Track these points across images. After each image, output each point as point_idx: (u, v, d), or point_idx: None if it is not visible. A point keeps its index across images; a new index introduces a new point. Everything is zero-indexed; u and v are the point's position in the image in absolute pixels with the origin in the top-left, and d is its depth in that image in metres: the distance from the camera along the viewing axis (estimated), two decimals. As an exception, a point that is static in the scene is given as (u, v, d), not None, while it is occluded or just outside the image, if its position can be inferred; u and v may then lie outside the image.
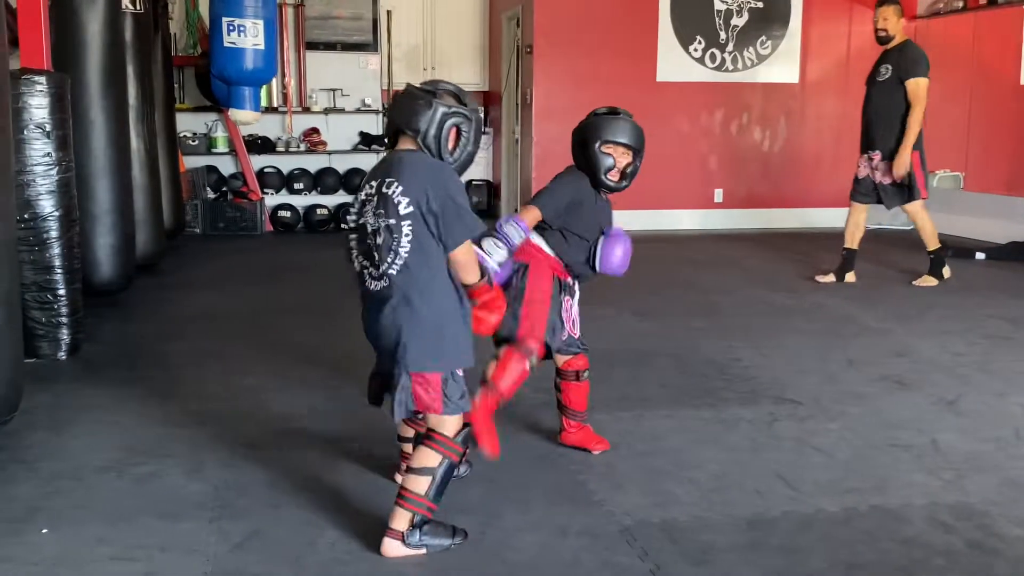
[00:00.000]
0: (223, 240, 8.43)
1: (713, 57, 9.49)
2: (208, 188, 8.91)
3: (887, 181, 6.31)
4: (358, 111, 9.40)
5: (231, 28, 7.43)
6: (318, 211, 9.10)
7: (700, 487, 3.03)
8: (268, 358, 4.52)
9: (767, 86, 9.21)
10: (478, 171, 10.92)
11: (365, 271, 2.62)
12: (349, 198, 9.24)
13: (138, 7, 6.00)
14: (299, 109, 9.25)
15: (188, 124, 8.87)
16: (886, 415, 3.75)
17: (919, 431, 3.56)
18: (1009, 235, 8.03)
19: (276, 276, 6.76)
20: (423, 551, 2.57)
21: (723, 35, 9.48)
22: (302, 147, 9.20)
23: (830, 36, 9.74)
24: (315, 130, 9.29)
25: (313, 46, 9.30)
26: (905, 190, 6.30)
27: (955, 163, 9.51)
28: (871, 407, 3.86)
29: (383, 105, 9.50)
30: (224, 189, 8.97)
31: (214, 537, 2.67)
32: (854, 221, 6.60)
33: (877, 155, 6.33)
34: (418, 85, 2.65)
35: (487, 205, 10.75)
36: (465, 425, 2.65)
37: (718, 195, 9.48)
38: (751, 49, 9.55)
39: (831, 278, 6.48)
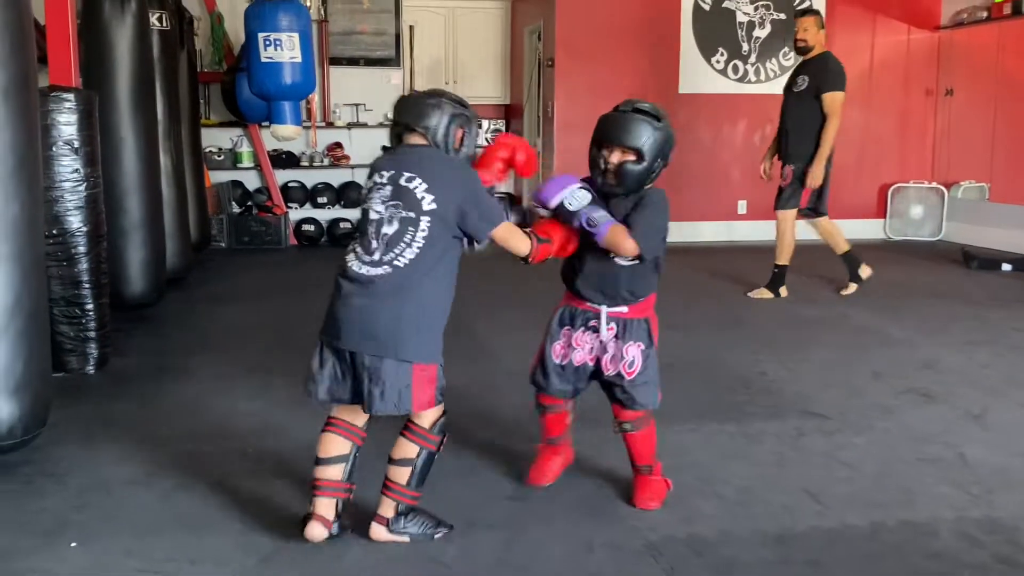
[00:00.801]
0: (248, 254, 8.49)
1: (736, 69, 9.48)
2: (233, 202, 8.99)
3: (783, 183, 6.35)
4: (381, 125, 9.44)
5: (267, 43, 7.47)
6: (341, 225, 9.14)
7: (726, 501, 3.02)
8: (295, 371, 4.53)
9: (790, 97, 9.14)
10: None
11: (355, 255, 2.68)
12: (372, 212, 9.29)
13: (165, 24, 6.07)
14: (323, 124, 9.31)
15: (213, 139, 8.95)
16: (913, 428, 3.73)
17: (946, 444, 3.54)
18: (1036, 246, 7.96)
19: (301, 290, 6.79)
20: (406, 538, 2.74)
21: (746, 46, 9.48)
22: (326, 161, 9.27)
23: (853, 47, 9.70)
24: (338, 145, 9.35)
25: (336, 61, 9.37)
26: (783, 200, 6.37)
27: (980, 174, 9.45)
28: (897, 420, 3.84)
29: (406, 119, 9.53)
30: (249, 203, 9.04)
31: (241, 551, 2.69)
32: (826, 231, 6.51)
33: (790, 168, 6.30)
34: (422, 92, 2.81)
35: (507, 216, 10.74)
36: (443, 414, 2.76)
37: (742, 206, 9.46)
38: (774, 60, 9.53)
39: (852, 288, 6.43)
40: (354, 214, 9.27)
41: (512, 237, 2.83)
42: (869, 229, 9.84)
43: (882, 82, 9.83)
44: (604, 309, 2.97)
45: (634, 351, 2.93)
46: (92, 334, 4.47)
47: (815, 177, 6.19)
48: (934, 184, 9.73)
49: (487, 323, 5.50)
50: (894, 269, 7.87)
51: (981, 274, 7.48)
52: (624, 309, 2.96)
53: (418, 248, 2.60)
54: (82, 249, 4.40)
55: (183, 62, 7.02)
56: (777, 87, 9.40)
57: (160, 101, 5.94)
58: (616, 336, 2.95)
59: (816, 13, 6.50)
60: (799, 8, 6.59)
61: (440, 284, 2.68)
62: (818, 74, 6.21)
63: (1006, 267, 7.55)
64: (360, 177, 9.37)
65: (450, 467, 3.27)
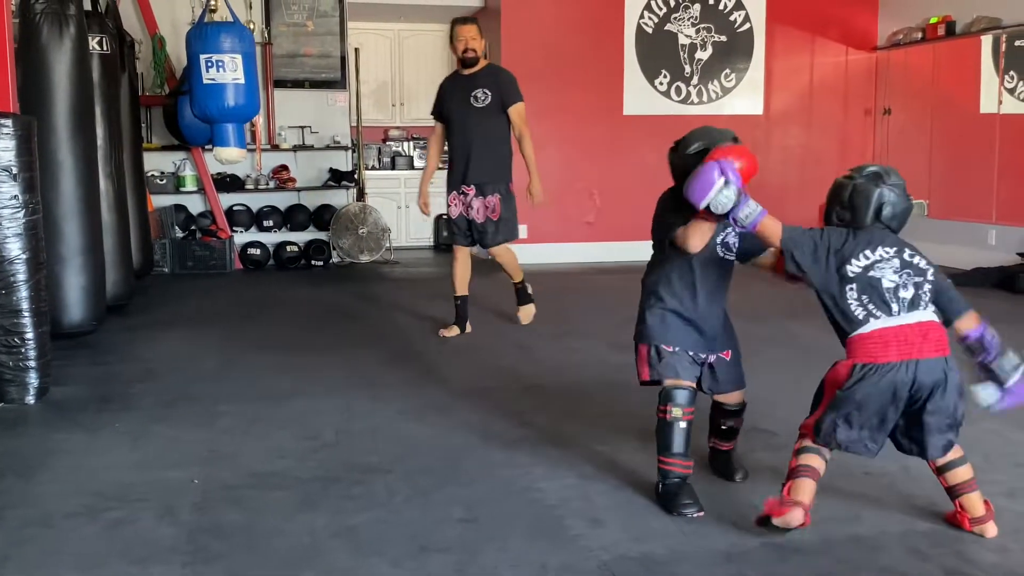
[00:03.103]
0: (192, 279, 8.38)
1: (679, 90, 9.62)
2: (177, 227, 8.87)
3: (490, 217, 5.75)
4: (327, 148, 9.41)
5: (209, 65, 7.40)
6: (288, 248, 9.08)
7: (676, 520, 3.03)
8: (240, 398, 4.48)
9: (732, 118, 9.28)
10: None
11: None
12: (320, 235, 9.26)
13: (105, 48, 6.00)
14: (268, 147, 9.25)
15: (156, 163, 8.85)
16: (859, 443, 3.78)
17: (891, 458, 3.58)
18: (974, 261, 8.15)
19: (247, 315, 6.72)
20: None
21: (688, 69, 9.62)
22: (271, 184, 9.20)
23: (792, 68, 9.92)
24: (284, 167, 9.29)
25: (281, 84, 9.32)
26: (505, 227, 5.80)
27: (919, 191, 9.64)
28: (844, 435, 3.88)
29: (352, 141, 9.53)
30: (193, 228, 8.93)
31: (188, 582, 2.64)
32: (462, 266, 5.94)
33: (472, 189, 5.72)
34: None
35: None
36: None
37: (686, 226, 9.55)
38: (716, 82, 9.69)
39: (455, 331, 5.87)
40: (300, 237, 9.20)
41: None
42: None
43: (822, 102, 10.03)
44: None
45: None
46: (32, 364, 4.37)
47: (539, 192, 5.79)
48: (874, 202, 9.90)
49: (435, 344, 5.48)
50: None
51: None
52: None
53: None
54: (21, 277, 4.31)
55: (124, 86, 6.94)
56: (720, 108, 9.57)
57: (100, 125, 5.86)
58: None
59: (477, 21, 5.89)
60: (461, 17, 5.91)
61: None
62: (499, 86, 5.68)
63: (945, 282, 7.70)
64: (306, 200, 9.31)
65: (402, 489, 3.25)
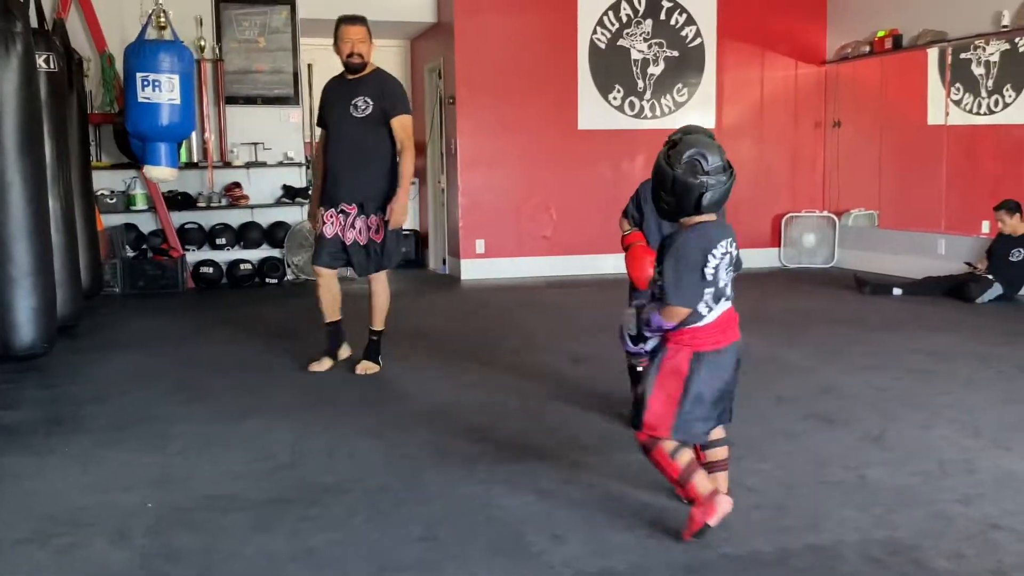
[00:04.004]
0: (144, 299, 8.27)
1: (632, 105, 9.69)
2: (127, 246, 8.74)
3: (372, 239, 5.16)
4: (280, 164, 9.34)
5: (145, 83, 7.34)
6: (241, 266, 8.99)
7: (637, 534, 3.02)
8: (195, 419, 4.42)
9: (686, 131, 9.30)
10: (406, 221, 10.94)
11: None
12: (273, 252, 9.18)
13: (53, 66, 5.91)
14: (220, 164, 9.16)
15: (106, 182, 8.72)
16: (815, 452, 3.81)
17: (847, 467, 3.62)
18: (924, 270, 8.29)
19: (200, 334, 6.64)
20: None
21: (641, 83, 9.70)
22: (224, 202, 9.10)
23: (743, 82, 10.04)
24: (237, 184, 9.20)
25: (233, 100, 9.24)
26: (386, 251, 5.21)
27: (869, 202, 9.81)
28: (800, 445, 3.91)
29: (306, 158, 9.47)
30: (144, 247, 8.81)
31: (142, 609, 2.58)
32: (328, 291, 5.33)
33: (354, 208, 5.13)
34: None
35: (415, 255, 10.76)
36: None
37: (642, 239, 9.60)
38: (668, 96, 9.78)
39: (327, 363, 5.35)
40: (254, 254, 9.12)
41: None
42: (765, 258, 10.12)
43: (773, 115, 10.16)
44: None
45: None
46: (-22, 387, 4.27)
47: (401, 212, 5.15)
48: (826, 213, 10.06)
49: (392, 360, 5.45)
50: (791, 296, 8.08)
51: (874, 299, 7.74)
52: None
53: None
54: (-34, 299, 4.22)
55: (73, 104, 6.84)
56: (673, 122, 9.64)
57: (48, 144, 5.76)
58: None
59: (367, 23, 5.26)
60: (348, 16, 5.25)
61: None
62: (383, 95, 5.11)
63: (897, 291, 7.83)
64: (259, 217, 9.23)
65: (360, 509, 3.21)
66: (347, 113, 5.11)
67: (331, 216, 5.19)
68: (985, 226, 8.30)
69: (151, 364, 5.67)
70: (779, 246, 10.19)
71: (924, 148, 9.00)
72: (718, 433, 3.10)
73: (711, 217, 2.91)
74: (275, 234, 9.18)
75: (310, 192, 5.60)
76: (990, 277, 7.48)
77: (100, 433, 4.23)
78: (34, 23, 6.01)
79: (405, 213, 5.21)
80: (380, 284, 5.29)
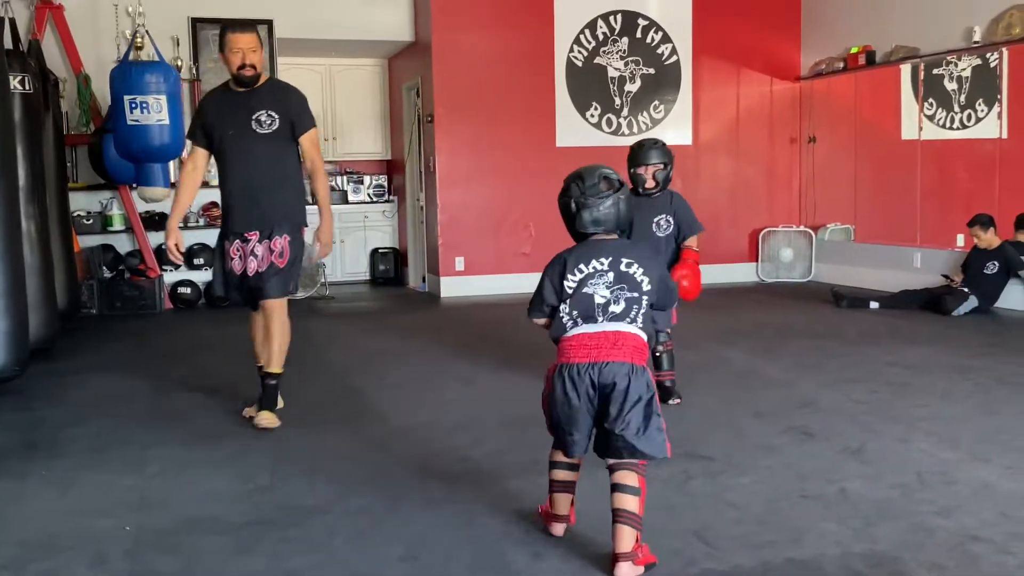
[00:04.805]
0: (121, 320, 8.21)
1: (609, 122, 9.74)
2: (104, 267, 8.69)
3: (275, 262, 4.52)
4: (259, 184, 9.30)
5: (134, 105, 7.33)
6: (220, 286, 8.95)
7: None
8: (173, 441, 4.38)
9: (663, 148, 9.33)
10: (384, 239, 10.96)
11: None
12: (252, 272, 9.12)
13: (27, 87, 5.89)
14: (198, 184, 9.11)
15: (82, 203, 8.67)
16: (795, 466, 3.82)
17: (828, 481, 3.63)
18: (900, 284, 8.35)
19: (177, 355, 6.59)
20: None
21: (618, 101, 9.75)
22: (201, 222, 9.07)
23: (719, 99, 10.11)
24: (215, 204, 9.16)
25: (210, 120, 9.20)
26: (287, 275, 4.58)
27: (845, 216, 9.89)
28: (780, 459, 3.92)
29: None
30: (121, 267, 8.76)
31: (120, 634, 2.55)
32: (261, 328, 4.69)
33: (255, 235, 4.52)
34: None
35: (394, 273, 10.75)
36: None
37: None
38: (645, 114, 9.83)
39: (253, 410, 4.68)
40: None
41: None
42: (742, 273, 10.18)
43: (749, 131, 10.23)
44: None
45: None
46: (-47, 411, 4.22)
47: (329, 239, 4.69)
48: (802, 227, 10.13)
49: (372, 379, 5.43)
50: (769, 311, 8.12)
51: (851, 313, 7.78)
52: None
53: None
54: (-60, 322, 4.18)
55: (48, 125, 6.81)
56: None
57: (23, 165, 5.74)
58: None
59: (256, 30, 4.69)
60: (235, 23, 4.78)
61: None
62: (288, 109, 4.56)
63: (874, 305, 7.88)
64: (238, 237, 9.18)
65: (341, 530, 3.19)
66: (248, 129, 4.50)
67: (237, 249, 4.55)
68: (960, 239, 8.38)
69: (128, 386, 5.63)
70: (757, 261, 10.25)
71: (898, 163, 9.08)
72: (619, 477, 2.83)
73: (606, 236, 2.97)
74: (253, 254, 9.16)
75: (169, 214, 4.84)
76: (966, 290, 7.55)
77: (77, 456, 4.19)
78: (9, 44, 5.98)
79: (329, 240, 4.73)
80: (279, 318, 4.58)
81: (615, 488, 2.82)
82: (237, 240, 4.56)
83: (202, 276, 8.97)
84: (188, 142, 4.76)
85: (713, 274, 9.88)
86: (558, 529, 3.09)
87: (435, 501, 3.48)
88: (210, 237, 9.07)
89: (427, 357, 6.34)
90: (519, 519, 3.28)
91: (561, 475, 3.05)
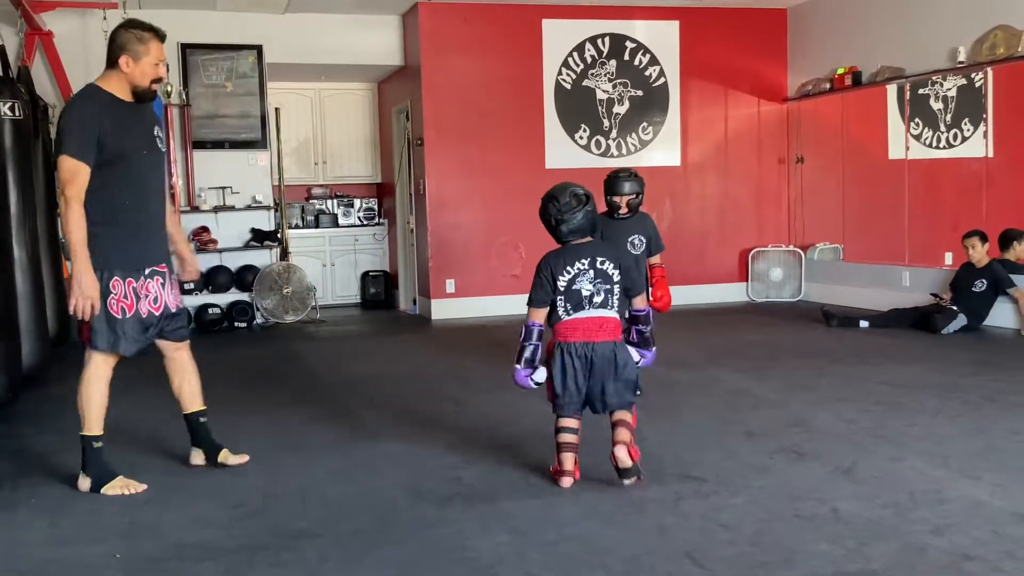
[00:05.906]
0: (112, 345, 8.16)
1: (598, 144, 9.79)
2: (95, 292, 8.65)
3: (179, 304, 4.24)
4: (248, 208, 9.33)
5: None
6: (210, 311, 8.94)
7: (612, 572, 3.01)
8: (163, 467, 4.37)
9: (651, 170, 9.45)
10: (375, 262, 10.97)
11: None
12: (242, 296, 9.13)
13: (17, 113, 5.89)
14: (187, 208, 9.13)
15: (72, 228, 8.64)
16: (787, 486, 3.82)
17: (820, 500, 3.64)
18: (889, 302, 8.38)
19: (167, 380, 6.55)
20: None
21: (607, 123, 9.80)
22: (192, 246, 9.06)
23: (707, 120, 10.18)
24: (205, 229, 9.18)
25: (200, 144, 9.24)
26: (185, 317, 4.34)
27: (834, 236, 9.93)
28: (772, 479, 3.93)
29: (274, 201, 9.47)
30: (112, 293, 8.73)
31: (111, 662, 2.54)
32: (174, 371, 4.46)
33: (165, 267, 4.10)
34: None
35: (385, 295, 10.75)
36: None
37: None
38: (634, 135, 9.89)
39: (201, 457, 4.38)
40: (222, 299, 9.07)
41: None
42: (732, 293, 10.21)
43: (738, 152, 10.29)
44: None
45: None
46: (-58, 439, 4.20)
47: (194, 266, 4.42)
48: (792, 247, 10.17)
49: (362, 402, 5.41)
50: (759, 330, 8.14)
51: (841, 332, 7.81)
52: None
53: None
54: (-70, 349, 4.16)
55: (38, 151, 6.81)
56: (639, 160, 9.75)
57: (12, 191, 5.73)
58: None
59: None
60: (153, 28, 3.98)
61: None
62: (162, 125, 4.15)
63: (864, 324, 7.90)
64: (228, 261, 9.22)
65: (332, 554, 3.18)
66: (153, 147, 3.99)
67: (147, 287, 4.05)
68: (948, 258, 8.42)
69: (118, 412, 5.58)
70: (747, 280, 10.28)
71: (886, 182, 9.14)
72: (617, 416, 3.84)
73: (583, 240, 3.83)
74: (244, 278, 9.15)
75: (75, 249, 4.06)
76: (955, 308, 7.58)
77: (68, 484, 4.17)
78: (-1, 71, 5.99)
79: (195, 268, 4.45)
80: (188, 353, 4.40)
81: (615, 424, 3.81)
82: (155, 275, 4.05)
83: (192, 300, 8.94)
84: (68, 159, 3.80)
85: (703, 294, 9.92)
86: (566, 482, 3.78)
87: (427, 524, 3.47)
88: (201, 262, 9.06)
89: (418, 379, 6.33)
90: (512, 541, 3.28)
91: (566, 437, 3.82)
